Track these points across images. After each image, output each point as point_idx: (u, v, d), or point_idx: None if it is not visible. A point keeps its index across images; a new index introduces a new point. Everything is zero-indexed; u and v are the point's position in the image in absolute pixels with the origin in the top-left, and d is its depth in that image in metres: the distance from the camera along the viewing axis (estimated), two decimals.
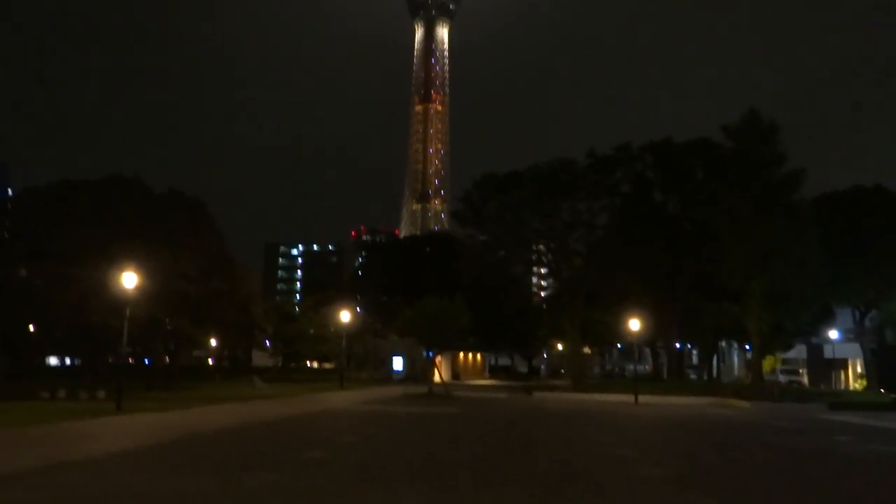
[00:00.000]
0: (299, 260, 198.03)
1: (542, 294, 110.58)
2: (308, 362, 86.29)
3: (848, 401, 41.87)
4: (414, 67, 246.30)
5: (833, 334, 59.31)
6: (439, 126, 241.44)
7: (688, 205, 56.86)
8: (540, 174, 57.56)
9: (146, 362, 62.60)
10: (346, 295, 74.90)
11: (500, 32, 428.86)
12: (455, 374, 74.77)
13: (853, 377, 64.93)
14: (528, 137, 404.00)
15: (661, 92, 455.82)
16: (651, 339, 65.17)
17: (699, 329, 60.01)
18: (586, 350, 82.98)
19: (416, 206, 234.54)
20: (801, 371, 71.30)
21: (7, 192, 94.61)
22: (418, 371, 65.76)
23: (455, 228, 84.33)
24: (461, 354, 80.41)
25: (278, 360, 76.80)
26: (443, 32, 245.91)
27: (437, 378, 48.35)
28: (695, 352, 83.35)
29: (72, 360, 67.67)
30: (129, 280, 28.04)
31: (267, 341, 74.83)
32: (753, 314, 45.85)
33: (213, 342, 62.86)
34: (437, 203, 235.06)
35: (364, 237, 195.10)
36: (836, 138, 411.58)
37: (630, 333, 46.43)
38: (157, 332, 49.44)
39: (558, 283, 67.53)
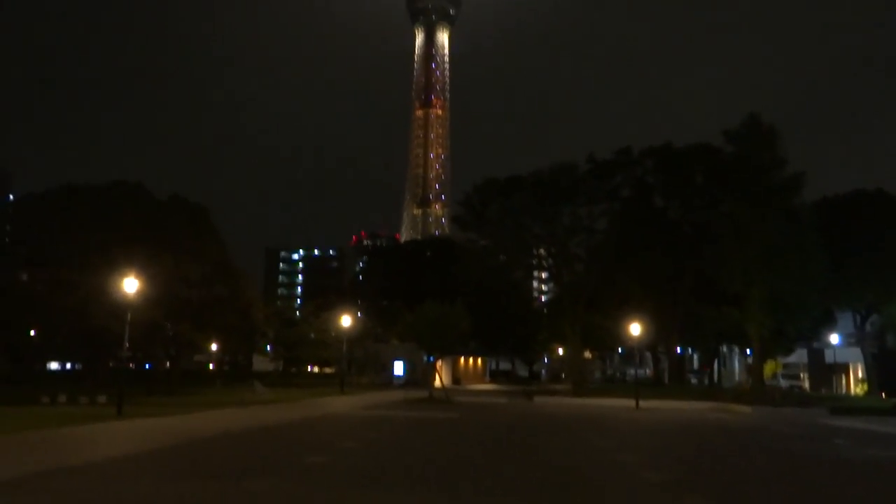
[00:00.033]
0: (300, 265, 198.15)
1: (543, 299, 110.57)
2: (309, 367, 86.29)
3: (849, 405, 41.82)
4: (414, 72, 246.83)
5: (834, 339, 59.26)
6: (440, 131, 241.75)
7: (688, 209, 56.91)
8: (540, 179, 57.59)
9: (147, 367, 62.65)
10: (346, 299, 74.90)
11: (499, 37, 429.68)
12: (456, 379, 74.73)
13: (854, 382, 64.83)
14: (528, 142, 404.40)
15: (661, 93, 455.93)
16: (652, 343, 65.10)
17: (700, 334, 59.98)
18: (587, 355, 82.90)
19: (417, 211, 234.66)
20: (802, 376, 71.18)
21: (8, 197, 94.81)
22: (419, 375, 65.72)
23: (456, 233, 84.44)
24: (462, 359, 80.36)
25: (279, 365, 76.81)
26: (443, 37, 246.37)
27: (437, 383, 48.34)
28: (696, 356, 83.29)
29: (72, 365, 67.69)
30: (131, 285, 28.10)
31: (268, 346, 74.87)
32: (754, 319, 45.84)
33: (214, 347, 62.88)
34: (437, 208, 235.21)
35: (365, 242, 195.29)
36: (836, 141, 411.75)
37: (631, 338, 46.41)
38: (158, 337, 49.47)
39: (559, 287, 67.46)
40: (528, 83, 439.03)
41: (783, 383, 66.87)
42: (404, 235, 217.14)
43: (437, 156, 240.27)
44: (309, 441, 21.34)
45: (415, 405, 39.15)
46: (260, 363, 79.45)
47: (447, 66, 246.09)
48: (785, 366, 68.03)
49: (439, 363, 52.57)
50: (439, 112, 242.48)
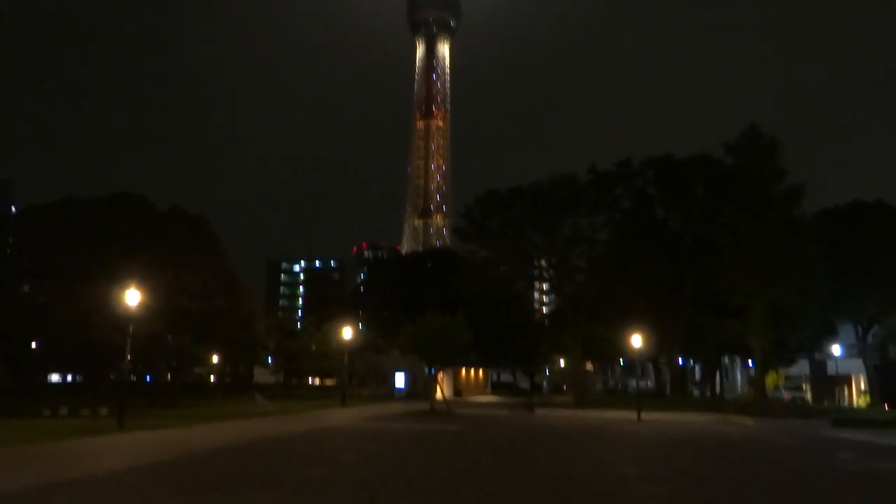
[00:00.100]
0: (301, 276, 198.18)
1: (544, 310, 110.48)
2: (310, 379, 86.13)
3: (851, 417, 41.68)
4: (415, 84, 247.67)
5: (836, 350, 59.12)
6: (441, 142, 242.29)
7: (689, 220, 57.02)
8: (541, 190, 57.79)
9: (148, 379, 62.58)
10: (347, 311, 74.86)
11: (500, 48, 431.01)
12: (457, 391, 74.54)
13: (857, 393, 64.61)
14: (529, 152, 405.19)
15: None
16: (653, 355, 65.03)
17: (702, 345, 59.90)
18: (588, 366, 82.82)
19: (418, 222, 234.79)
20: (804, 387, 70.96)
21: (11, 208, 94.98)
22: (420, 387, 65.59)
23: (457, 244, 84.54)
24: (463, 370, 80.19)
25: (280, 377, 76.69)
26: (444, 49, 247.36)
27: (439, 395, 48.24)
28: (697, 368, 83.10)
29: (73, 377, 67.59)
30: (132, 297, 28.15)
31: (269, 358, 74.79)
32: (755, 330, 45.81)
33: (215, 359, 62.82)
34: (438, 219, 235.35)
35: (366, 253, 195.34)
36: (836, 148, 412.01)
37: (632, 349, 46.37)
38: (159, 349, 49.46)
39: (560, 298, 67.51)
40: (528, 93, 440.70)
41: (785, 395, 66.68)
42: (405, 246, 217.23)
43: (437, 167, 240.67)
44: (310, 453, 21.30)
45: (416, 417, 39.06)
46: (261, 375, 79.35)
47: (448, 77, 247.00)
48: (787, 377, 67.86)
49: (440, 375, 52.48)
50: (440, 123, 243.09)
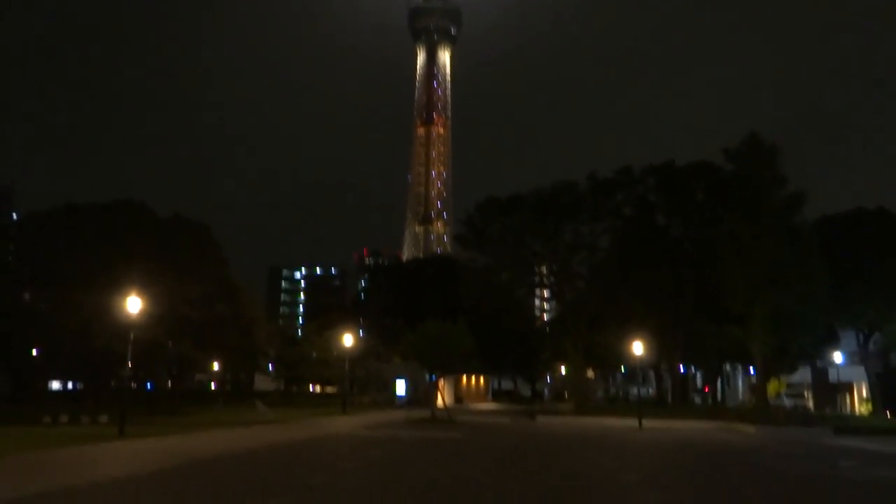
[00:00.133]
0: (302, 283, 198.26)
1: (545, 317, 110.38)
2: (310, 386, 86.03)
3: (853, 425, 41.60)
4: (416, 91, 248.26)
5: (837, 357, 59.04)
6: (441, 149, 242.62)
7: (690, 227, 57.01)
8: (542, 197, 57.87)
9: (148, 387, 62.52)
10: (348, 318, 74.83)
11: (500, 56, 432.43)
12: (458, 398, 74.49)
13: (858, 401, 64.49)
14: (530, 159, 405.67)
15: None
16: (655, 362, 64.90)
17: (703, 352, 59.79)
18: (590, 373, 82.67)
19: (419, 229, 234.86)
20: (805, 394, 70.83)
21: (12, 216, 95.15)
22: (421, 395, 65.53)
23: (457, 251, 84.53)
24: (464, 378, 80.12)
25: (280, 384, 76.60)
26: (444, 56, 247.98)
27: (440, 402, 48.18)
28: (699, 375, 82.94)
29: (74, 385, 67.57)
30: (134, 304, 28.19)
31: (270, 365, 74.71)
32: (756, 337, 45.76)
33: (216, 366, 62.78)
34: (439, 226, 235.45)
35: (367, 260, 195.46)
36: (837, 152, 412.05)
37: (633, 356, 46.31)
38: (160, 357, 49.45)
39: (561, 305, 67.46)
40: (528, 99, 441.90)
41: (787, 402, 66.54)
42: (406, 253, 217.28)
43: (438, 174, 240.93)
44: (311, 461, 21.29)
45: (417, 425, 39.02)
46: (261, 382, 79.27)
47: (449, 84, 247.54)
48: (788, 385, 67.71)
49: (441, 382, 52.46)
50: (441, 130, 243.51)
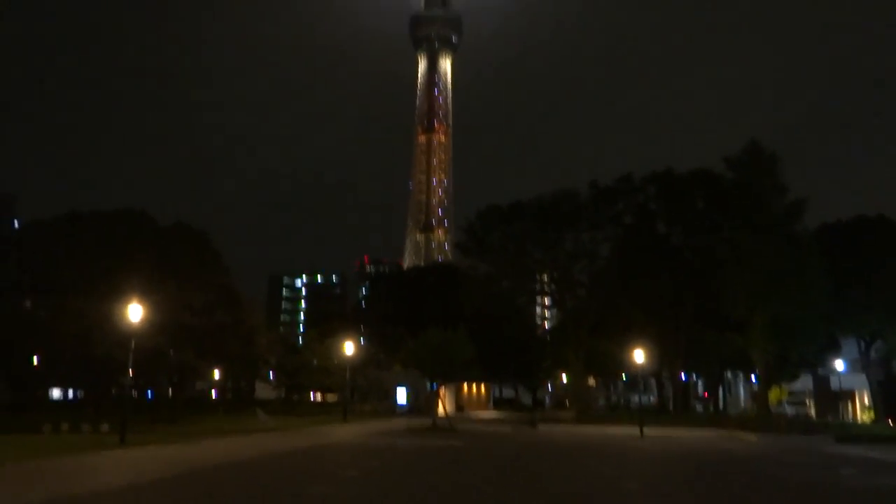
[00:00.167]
0: (303, 291, 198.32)
1: (546, 325, 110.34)
2: (311, 394, 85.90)
3: (855, 433, 41.44)
4: (417, 98, 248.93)
5: (839, 365, 58.93)
6: (442, 156, 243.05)
7: (690, 235, 57.06)
8: (542, 205, 57.99)
9: (149, 395, 62.46)
10: (349, 326, 74.83)
11: (501, 63, 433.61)
12: (459, 406, 74.33)
13: (860, 409, 64.32)
14: (531, 164, 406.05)
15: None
16: (656, 369, 64.85)
17: (704, 360, 59.73)
18: (591, 381, 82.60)
19: (420, 237, 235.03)
20: (807, 402, 70.66)
21: (13, 224, 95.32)
22: (422, 403, 65.43)
23: (458, 259, 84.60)
24: (465, 386, 79.99)
25: (281, 393, 76.49)
26: (445, 64, 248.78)
27: (441, 410, 48.11)
28: (700, 383, 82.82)
29: (74, 393, 67.51)
30: (135, 312, 28.22)
31: (270, 373, 74.62)
32: (757, 345, 45.74)
33: (217, 374, 62.75)
34: (440, 233, 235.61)
35: (368, 268, 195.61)
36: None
37: (634, 364, 46.27)
38: (161, 364, 49.42)
39: (562, 313, 67.46)
40: (529, 106, 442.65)
41: (788, 410, 66.39)
42: (407, 261, 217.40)
43: (439, 181, 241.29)
44: (312, 470, 21.27)
45: (418, 433, 38.96)
46: (262, 390, 79.16)
47: (449, 92, 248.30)
48: (790, 392, 67.54)
49: (442, 390, 52.38)
50: (442, 138, 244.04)
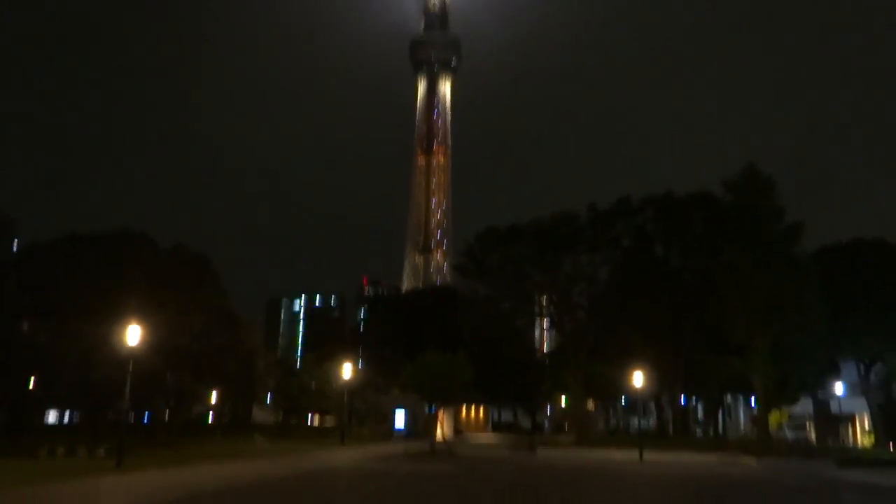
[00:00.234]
0: (301, 313, 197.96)
1: (545, 347, 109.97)
2: (309, 418, 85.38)
3: (856, 457, 41.24)
4: (416, 121, 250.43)
5: (838, 389, 58.76)
6: (442, 178, 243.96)
7: (689, 258, 57.15)
8: (541, 228, 58.10)
9: (145, 418, 62.07)
10: (347, 349, 74.57)
11: (501, 86, 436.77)
12: (457, 430, 73.86)
13: (861, 432, 64.02)
14: (530, 184, 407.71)
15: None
16: (656, 393, 64.56)
17: (704, 383, 59.51)
18: (590, 405, 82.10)
19: (419, 259, 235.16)
20: (807, 426, 70.32)
21: (13, 245, 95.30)
22: (420, 427, 65.03)
23: (457, 281, 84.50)
24: (464, 409, 79.56)
25: (279, 416, 76.03)
26: (445, 87, 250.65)
27: (439, 434, 47.81)
28: (700, 406, 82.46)
29: (70, 417, 67.03)
30: (134, 335, 28.14)
31: (268, 396, 74.22)
32: (757, 368, 45.63)
33: (214, 398, 62.39)
34: (439, 255, 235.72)
35: (366, 290, 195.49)
36: (835, 188, 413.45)
37: (634, 387, 46.07)
38: (158, 388, 49.19)
39: (561, 336, 67.30)
40: (527, 127, 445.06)
41: (789, 434, 66.06)
42: (405, 283, 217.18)
43: (438, 203, 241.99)
44: (309, 494, 21.12)
45: (416, 458, 38.71)
46: (259, 414, 78.67)
47: (449, 114, 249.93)
48: (790, 416, 67.25)
49: (441, 414, 52.10)
50: (441, 159, 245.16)
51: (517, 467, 34.25)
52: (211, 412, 79.89)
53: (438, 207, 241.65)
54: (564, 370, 60.12)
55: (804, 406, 66.27)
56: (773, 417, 58.49)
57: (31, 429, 49.74)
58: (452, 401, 56.93)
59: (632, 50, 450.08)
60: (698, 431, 72.70)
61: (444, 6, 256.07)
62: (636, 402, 73.48)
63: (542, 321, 79.63)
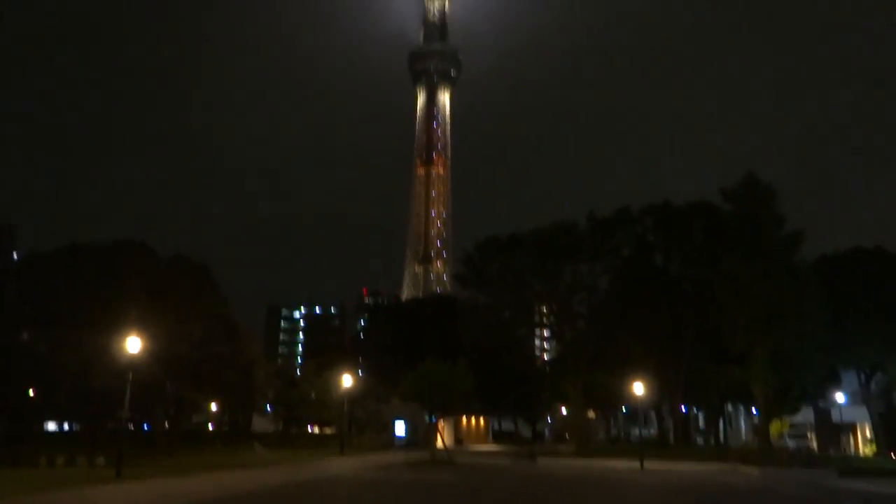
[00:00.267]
0: (301, 323, 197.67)
1: (545, 357, 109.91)
2: (308, 427, 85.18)
3: (857, 466, 41.16)
4: (416, 131, 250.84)
5: (839, 398, 58.69)
6: (441, 189, 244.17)
7: (688, 267, 57.21)
8: (541, 237, 58.14)
9: (145, 428, 61.94)
10: (347, 358, 74.49)
11: (501, 93, 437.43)
12: (458, 439, 73.68)
13: (862, 441, 63.89)
14: (530, 193, 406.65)
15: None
16: (656, 402, 64.48)
17: (704, 392, 59.45)
18: (591, 414, 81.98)
19: (419, 268, 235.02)
20: (809, 435, 70.19)
21: (13, 255, 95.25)
22: (420, 436, 64.86)
23: (457, 290, 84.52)
24: (464, 419, 79.38)
25: (279, 426, 75.87)
26: (444, 97, 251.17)
27: (439, 444, 47.70)
28: (701, 415, 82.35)
29: (70, 426, 66.91)
30: (133, 344, 28.15)
31: (268, 406, 74.06)
32: (758, 377, 45.60)
33: (214, 407, 62.31)
34: (439, 265, 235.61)
35: (367, 300, 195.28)
36: (834, 197, 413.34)
37: (634, 397, 46.02)
38: (158, 397, 49.11)
39: (561, 345, 67.26)
40: (527, 137, 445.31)
41: (790, 443, 65.92)
42: (405, 293, 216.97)
43: (438, 213, 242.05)
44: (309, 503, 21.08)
45: (416, 467, 38.61)
46: (259, 423, 78.49)
47: (448, 124, 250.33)
48: (791, 425, 67.16)
49: (441, 423, 51.98)
50: (441, 170, 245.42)
51: (518, 476, 34.16)
52: (210, 422, 79.76)
53: (438, 217, 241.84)
54: (565, 379, 60.03)
55: (805, 415, 66.18)
56: (775, 426, 58.44)
57: (30, 438, 49.62)
58: (453, 410, 56.78)
59: (632, 51, 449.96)
60: (699, 440, 72.59)
61: (443, 17, 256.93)
62: (637, 412, 73.41)
63: (542, 330, 79.66)
